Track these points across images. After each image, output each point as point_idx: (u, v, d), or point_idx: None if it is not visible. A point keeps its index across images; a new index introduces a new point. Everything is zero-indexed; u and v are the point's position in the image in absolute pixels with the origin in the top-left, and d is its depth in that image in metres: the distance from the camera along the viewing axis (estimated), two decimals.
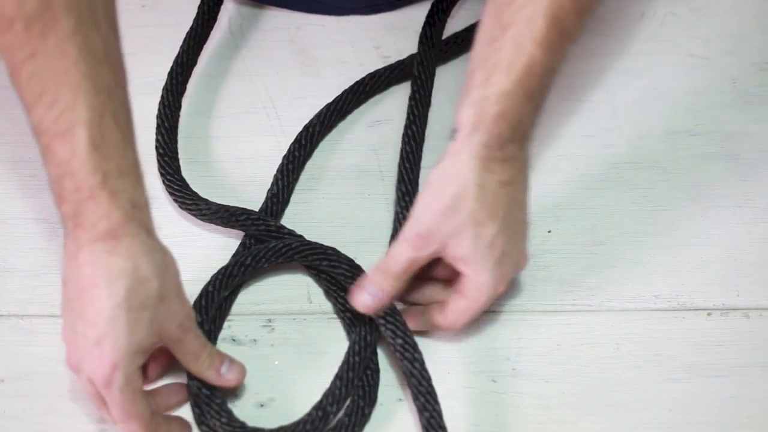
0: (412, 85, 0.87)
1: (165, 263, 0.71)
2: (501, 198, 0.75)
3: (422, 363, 0.74)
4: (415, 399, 0.74)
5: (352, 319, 0.79)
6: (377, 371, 0.78)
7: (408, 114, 0.86)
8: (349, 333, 0.79)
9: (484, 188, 0.74)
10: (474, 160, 0.73)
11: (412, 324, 0.77)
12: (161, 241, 0.72)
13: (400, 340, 0.75)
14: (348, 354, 0.76)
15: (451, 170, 0.74)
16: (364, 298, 0.76)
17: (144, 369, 0.73)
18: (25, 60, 0.66)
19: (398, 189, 0.83)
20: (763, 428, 0.77)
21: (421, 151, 0.85)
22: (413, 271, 0.76)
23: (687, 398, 0.78)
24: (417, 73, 0.87)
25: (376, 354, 0.78)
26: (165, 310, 0.70)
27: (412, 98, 0.86)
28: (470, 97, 0.74)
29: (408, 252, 0.75)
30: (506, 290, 0.78)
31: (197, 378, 0.74)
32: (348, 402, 0.75)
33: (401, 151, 0.84)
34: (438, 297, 0.79)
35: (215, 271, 0.79)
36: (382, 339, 0.78)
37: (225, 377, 0.75)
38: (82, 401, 0.77)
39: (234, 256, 0.82)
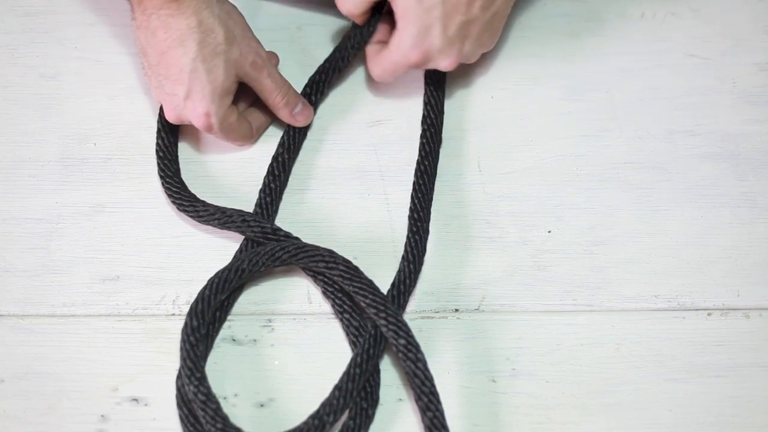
0: (422, 124, 0.88)
1: (226, 10, 0.83)
2: None
3: (425, 363, 0.74)
4: (418, 399, 0.74)
5: (351, 324, 0.79)
6: (378, 371, 0.78)
7: (420, 150, 0.87)
8: (347, 333, 0.79)
9: None
10: None
11: (368, 54, 0.88)
12: None
13: (402, 341, 0.75)
14: (350, 365, 0.76)
15: None
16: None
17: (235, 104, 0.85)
18: None
19: (410, 217, 0.83)
20: (763, 428, 0.77)
21: (433, 183, 0.86)
22: (368, 3, 0.86)
23: (687, 398, 0.78)
24: (426, 112, 0.88)
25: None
26: (236, 52, 0.82)
27: (423, 136, 0.87)
28: None
29: None
30: (420, 63, 0.85)
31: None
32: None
33: (414, 183, 0.85)
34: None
35: (213, 273, 0.79)
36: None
37: (295, 117, 0.87)
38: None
39: (232, 259, 0.82)
